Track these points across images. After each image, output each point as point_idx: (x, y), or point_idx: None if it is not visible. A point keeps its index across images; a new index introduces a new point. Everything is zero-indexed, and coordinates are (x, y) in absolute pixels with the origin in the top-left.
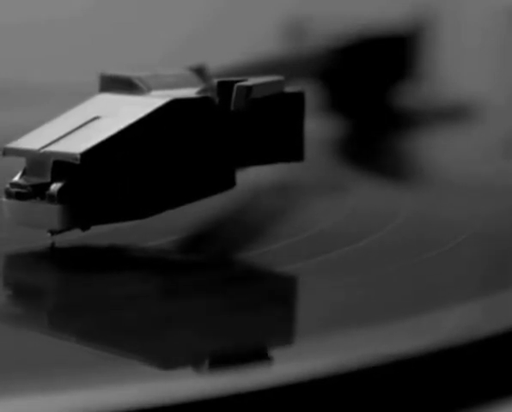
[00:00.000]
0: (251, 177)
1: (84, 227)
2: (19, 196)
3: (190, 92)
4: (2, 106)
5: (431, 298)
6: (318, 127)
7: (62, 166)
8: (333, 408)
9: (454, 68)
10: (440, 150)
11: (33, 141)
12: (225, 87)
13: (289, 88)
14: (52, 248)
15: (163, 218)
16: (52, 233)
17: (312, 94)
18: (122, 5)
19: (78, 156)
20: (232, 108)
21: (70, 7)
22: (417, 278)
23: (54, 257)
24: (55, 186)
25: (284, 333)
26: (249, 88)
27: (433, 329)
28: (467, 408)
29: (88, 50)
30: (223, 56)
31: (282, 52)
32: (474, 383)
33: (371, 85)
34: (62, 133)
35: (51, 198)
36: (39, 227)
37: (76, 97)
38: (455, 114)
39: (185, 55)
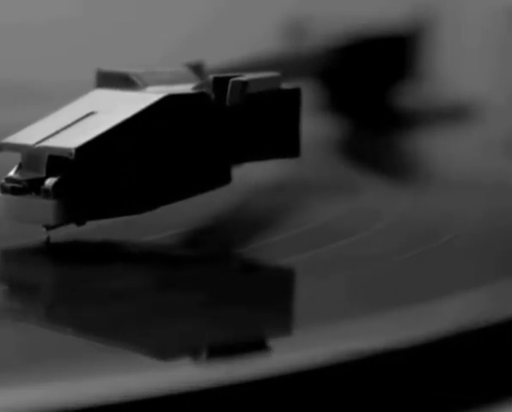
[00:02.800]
0: (247, 173)
1: (79, 222)
2: (14, 191)
3: (186, 88)
4: (1, 106)
5: (430, 290)
6: (318, 126)
7: (57, 161)
8: (331, 398)
9: (454, 68)
10: (440, 150)
11: (29, 136)
12: (221, 83)
13: (285, 85)
14: (48, 243)
15: (159, 213)
16: (48, 227)
17: (312, 94)
18: (122, 5)
19: (73, 151)
20: (227, 103)
21: (70, 7)
22: (416, 271)
23: (49, 251)
24: (50, 181)
25: (282, 324)
26: (244, 83)
27: (432, 319)
28: (468, 401)
29: (87, 49)
30: (223, 55)
31: (281, 52)
32: (473, 374)
33: (371, 85)
34: (57, 128)
35: (47, 193)
36: (35, 222)
37: (76, 97)
38: (455, 114)
39: (184, 54)
